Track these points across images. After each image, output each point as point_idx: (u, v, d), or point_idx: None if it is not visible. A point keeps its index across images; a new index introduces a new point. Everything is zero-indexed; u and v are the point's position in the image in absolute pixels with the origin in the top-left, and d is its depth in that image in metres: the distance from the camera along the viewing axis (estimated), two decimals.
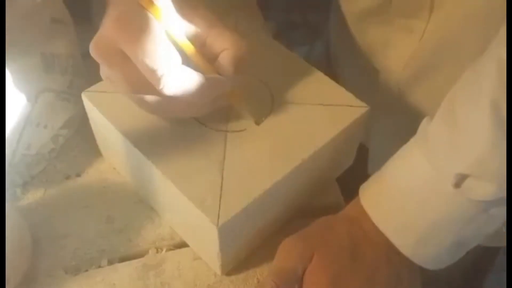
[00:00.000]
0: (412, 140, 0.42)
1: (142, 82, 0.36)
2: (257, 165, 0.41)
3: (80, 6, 0.47)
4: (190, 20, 0.39)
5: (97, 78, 0.47)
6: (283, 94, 0.46)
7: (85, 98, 0.45)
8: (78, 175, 0.50)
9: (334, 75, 0.50)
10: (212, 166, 0.41)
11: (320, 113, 0.45)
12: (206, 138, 0.43)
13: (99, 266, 0.44)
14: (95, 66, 0.49)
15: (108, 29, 0.35)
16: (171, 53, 0.36)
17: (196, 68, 0.38)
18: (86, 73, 0.52)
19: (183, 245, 0.45)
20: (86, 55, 0.50)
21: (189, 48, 0.38)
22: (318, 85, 0.47)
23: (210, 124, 0.44)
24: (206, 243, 0.42)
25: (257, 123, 0.44)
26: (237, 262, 0.44)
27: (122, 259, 0.44)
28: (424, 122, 0.41)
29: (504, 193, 0.36)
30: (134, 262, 0.44)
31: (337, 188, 0.51)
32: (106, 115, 0.44)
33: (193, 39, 0.39)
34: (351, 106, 0.46)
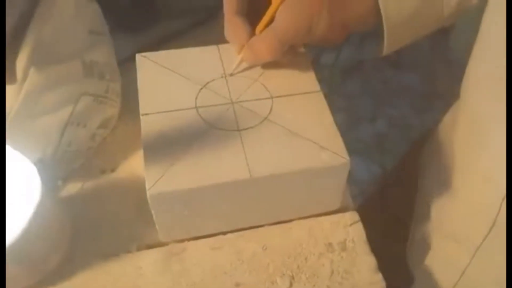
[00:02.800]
0: None
1: None
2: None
3: (117, 18, 0.52)
4: None
5: (130, 84, 0.52)
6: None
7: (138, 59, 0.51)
8: (113, 170, 0.55)
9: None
10: None
11: (300, 141, 0.46)
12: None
13: (128, 252, 0.49)
14: (129, 73, 0.54)
15: None
16: None
17: None
18: (121, 78, 0.57)
19: (202, 236, 0.50)
20: (121, 62, 0.56)
21: None
22: (315, 117, 0.48)
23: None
24: None
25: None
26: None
27: (149, 247, 0.49)
28: None
29: None
30: (159, 249, 0.49)
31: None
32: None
33: None
34: (334, 153, 0.45)
